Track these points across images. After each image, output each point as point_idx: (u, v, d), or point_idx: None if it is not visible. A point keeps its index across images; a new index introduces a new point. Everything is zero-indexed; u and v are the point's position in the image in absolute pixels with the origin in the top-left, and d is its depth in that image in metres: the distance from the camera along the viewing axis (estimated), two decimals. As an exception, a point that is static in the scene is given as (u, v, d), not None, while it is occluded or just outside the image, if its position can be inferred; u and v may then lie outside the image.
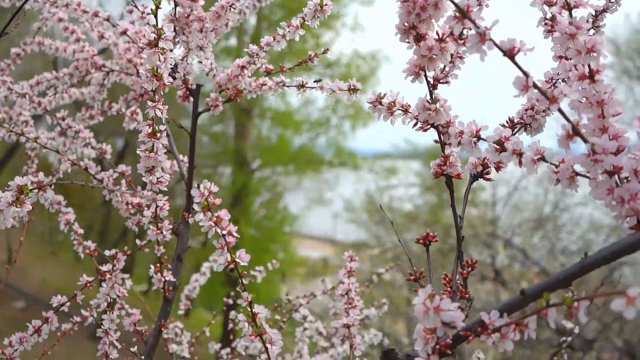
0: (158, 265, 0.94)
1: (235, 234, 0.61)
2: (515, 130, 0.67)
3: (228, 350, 1.33)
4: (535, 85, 0.49)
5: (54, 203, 1.10)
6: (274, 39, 0.89)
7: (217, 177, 11.65)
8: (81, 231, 1.08)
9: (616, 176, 0.52)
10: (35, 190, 0.66)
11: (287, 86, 0.95)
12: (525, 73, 0.50)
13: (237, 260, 0.62)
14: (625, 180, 0.51)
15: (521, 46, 0.49)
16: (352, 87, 0.82)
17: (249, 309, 0.64)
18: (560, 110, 0.50)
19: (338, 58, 10.70)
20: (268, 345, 0.63)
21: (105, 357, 0.93)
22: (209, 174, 11.31)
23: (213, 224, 0.60)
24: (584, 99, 0.53)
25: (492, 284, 7.01)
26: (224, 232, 0.61)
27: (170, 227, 0.89)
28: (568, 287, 0.49)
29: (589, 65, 0.52)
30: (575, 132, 0.50)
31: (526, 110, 0.66)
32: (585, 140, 0.50)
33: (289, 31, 0.87)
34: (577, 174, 0.53)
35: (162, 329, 0.97)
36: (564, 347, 1.08)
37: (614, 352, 6.05)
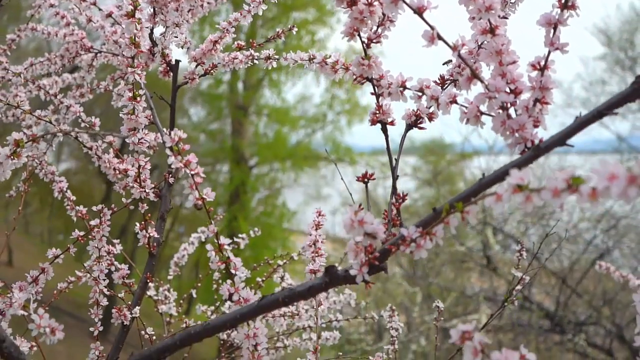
0: (143, 222, 1.04)
1: (202, 175, 0.72)
2: (446, 85, 0.77)
3: (212, 308, 1.43)
4: (439, 37, 0.60)
5: (48, 173, 1.21)
6: (241, 14, 0.99)
7: (215, 175, 11.75)
8: (73, 198, 1.18)
9: (513, 111, 0.62)
10: (30, 143, 0.77)
11: (256, 59, 1.05)
12: (431, 27, 0.60)
13: (204, 196, 0.72)
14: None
15: (427, 5, 0.60)
16: (311, 57, 0.92)
17: (216, 240, 0.74)
18: (460, 57, 0.61)
19: (329, 54, 10.77)
20: (233, 271, 0.74)
21: (96, 305, 1.04)
22: (207, 172, 11.41)
23: (183, 165, 0.71)
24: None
25: (487, 274, 7.14)
26: (193, 172, 0.71)
27: (152, 185, 0.99)
28: (469, 202, 0.60)
29: (489, 21, 0.63)
30: (473, 75, 0.61)
31: (455, 67, 0.77)
32: (481, 81, 0.61)
33: (253, 6, 0.98)
34: (482, 112, 0.64)
35: (148, 281, 1.08)
36: (514, 296, 1.18)
37: (606, 336, 6.17)
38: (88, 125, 1.17)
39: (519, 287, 1.15)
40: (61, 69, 1.29)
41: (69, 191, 1.20)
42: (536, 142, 0.60)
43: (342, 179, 1.09)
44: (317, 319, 1.03)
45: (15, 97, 1.34)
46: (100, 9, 1.16)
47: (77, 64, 1.39)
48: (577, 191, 0.42)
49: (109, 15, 1.14)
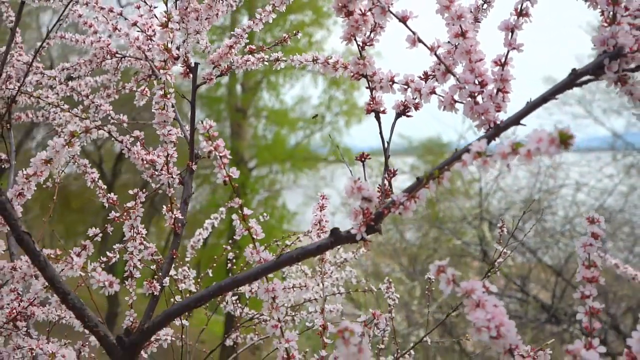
0: (169, 205, 1.19)
1: (229, 156, 0.87)
2: (429, 79, 0.92)
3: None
4: (419, 40, 0.75)
5: (81, 165, 1.36)
6: (254, 22, 1.14)
7: (215, 177, 11.87)
8: (104, 186, 1.33)
9: (480, 99, 0.77)
10: (84, 133, 0.92)
11: (266, 61, 1.20)
12: (413, 32, 0.75)
13: (231, 174, 0.87)
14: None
15: (410, 15, 0.75)
16: (314, 58, 1.07)
17: (240, 212, 0.89)
18: (437, 56, 0.76)
19: (330, 55, 10.93)
20: (254, 236, 0.89)
21: (130, 277, 1.19)
22: (207, 174, 11.57)
23: (213, 149, 0.86)
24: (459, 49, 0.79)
25: (485, 270, 7.29)
26: (221, 154, 0.86)
27: (179, 172, 1.14)
28: (444, 170, 0.75)
29: (460, 27, 0.78)
30: (447, 70, 0.76)
31: (435, 65, 0.92)
32: (454, 75, 0.76)
33: (264, 15, 1.13)
34: (455, 100, 0.79)
35: (174, 257, 1.23)
36: (497, 268, 1.33)
37: (601, 327, 6.32)
38: (117, 122, 1.32)
39: (500, 259, 1.30)
40: (89, 72, 1.44)
41: (100, 180, 1.35)
42: (498, 122, 0.75)
43: (350, 171, 1.23)
44: (322, 284, 1.17)
45: (45, 99, 1.50)
46: (126, 19, 1.31)
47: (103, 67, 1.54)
48: (517, 153, 0.57)
49: (134, 24, 1.30)
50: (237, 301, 1.62)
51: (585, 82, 0.70)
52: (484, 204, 7.12)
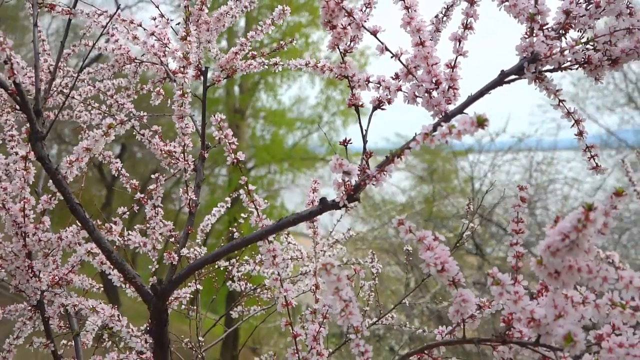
0: (185, 188, 1.41)
1: (236, 143, 1.08)
2: (399, 80, 1.13)
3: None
4: (386, 49, 0.96)
5: (106, 157, 1.57)
6: (256, 33, 1.36)
7: (214, 178, 12.10)
8: (127, 174, 1.54)
9: (435, 94, 0.98)
10: (119, 125, 1.13)
11: (267, 65, 1.41)
12: (381, 42, 0.96)
13: (238, 157, 1.08)
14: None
15: (379, 29, 0.96)
16: (307, 62, 1.29)
17: (246, 187, 1.10)
18: (400, 61, 0.97)
19: (327, 55, 11.16)
20: (258, 207, 1.10)
21: (153, 249, 1.40)
22: (206, 175, 11.76)
23: (223, 137, 1.07)
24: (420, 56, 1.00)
25: (480, 267, 7.53)
26: (230, 141, 1.08)
27: (193, 159, 1.35)
28: (406, 148, 0.96)
29: (419, 37, 0.99)
30: (408, 72, 0.97)
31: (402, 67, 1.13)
32: (413, 76, 0.97)
33: (265, 27, 1.35)
34: (416, 95, 1.00)
35: (189, 232, 1.44)
36: (464, 240, 1.54)
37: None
38: (138, 118, 1.53)
39: (468, 232, 1.52)
40: (113, 75, 1.65)
41: (123, 169, 1.56)
42: (447, 112, 0.96)
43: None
44: (315, 250, 1.38)
45: (72, 99, 1.71)
46: (145, 29, 1.52)
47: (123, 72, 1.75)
48: (452, 133, 0.78)
49: (152, 34, 1.51)
50: (242, 277, 1.83)
51: (512, 81, 0.92)
52: (477, 198, 7.33)
